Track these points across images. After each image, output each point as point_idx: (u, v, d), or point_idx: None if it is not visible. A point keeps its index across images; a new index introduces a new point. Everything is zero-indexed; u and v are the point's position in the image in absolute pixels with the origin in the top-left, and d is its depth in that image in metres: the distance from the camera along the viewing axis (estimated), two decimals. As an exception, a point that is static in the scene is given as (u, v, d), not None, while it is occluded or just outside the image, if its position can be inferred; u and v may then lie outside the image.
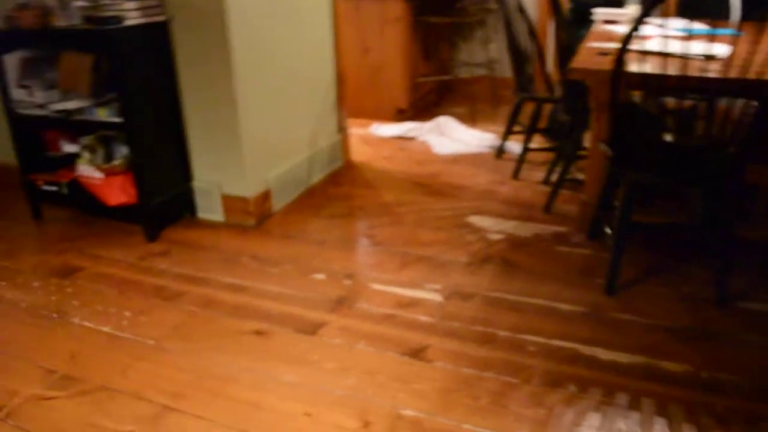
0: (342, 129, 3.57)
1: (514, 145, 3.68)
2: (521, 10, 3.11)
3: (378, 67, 4.37)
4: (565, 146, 3.02)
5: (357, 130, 4.16)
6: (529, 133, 3.34)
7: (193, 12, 2.59)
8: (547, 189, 3.11)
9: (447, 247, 2.59)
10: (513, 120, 3.52)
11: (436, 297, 2.23)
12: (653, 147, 2.25)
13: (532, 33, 3.14)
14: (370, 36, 4.32)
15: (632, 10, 3.58)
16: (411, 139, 4.03)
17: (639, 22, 1.91)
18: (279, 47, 2.92)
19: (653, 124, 2.40)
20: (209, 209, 2.90)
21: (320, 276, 2.39)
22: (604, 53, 2.57)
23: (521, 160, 3.36)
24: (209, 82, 2.68)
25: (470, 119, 4.37)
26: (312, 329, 2.07)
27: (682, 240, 2.65)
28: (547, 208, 2.92)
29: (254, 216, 2.84)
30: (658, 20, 2.04)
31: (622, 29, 3.15)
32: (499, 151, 3.67)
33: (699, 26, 3.05)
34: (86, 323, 2.14)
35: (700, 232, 2.70)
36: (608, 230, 2.45)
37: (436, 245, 2.61)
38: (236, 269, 2.47)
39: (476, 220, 2.84)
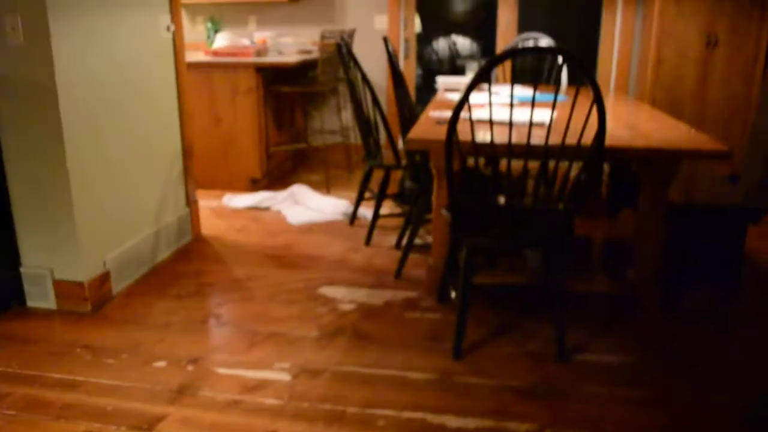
0: (191, 202, 3.46)
1: (368, 212, 3.73)
2: (365, 80, 3.21)
3: (230, 137, 4.31)
4: (412, 212, 3.11)
5: (209, 202, 4.05)
6: (378, 199, 3.41)
7: (19, 83, 2.42)
8: (399, 254, 3.16)
9: (298, 322, 2.53)
10: (364, 187, 3.59)
11: (285, 377, 2.16)
12: (488, 210, 2.36)
13: (376, 102, 3.25)
14: (221, 106, 4.28)
15: (471, 78, 3.82)
16: (265, 209, 3.97)
17: (467, 92, 2.02)
18: (118, 118, 2.79)
19: (488, 189, 2.53)
20: (40, 296, 2.66)
21: (161, 363, 2.24)
22: (441, 122, 2.70)
23: (373, 226, 3.41)
24: (38, 157, 2.50)
25: (325, 186, 4.41)
26: (149, 425, 1.91)
27: (524, 298, 2.78)
28: (398, 273, 2.97)
29: (90, 301, 2.63)
30: (494, 88, 2.20)
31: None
32: (353, 218, 3.71)
33: (527, 93, 3.30)
34: None
35: (538, 289, 2.84)
36: (454, 293, 2.53)
37: (287, 321, 2.55)
38: (68, 363, 2.26)
39: (328, 290, 2.82)
